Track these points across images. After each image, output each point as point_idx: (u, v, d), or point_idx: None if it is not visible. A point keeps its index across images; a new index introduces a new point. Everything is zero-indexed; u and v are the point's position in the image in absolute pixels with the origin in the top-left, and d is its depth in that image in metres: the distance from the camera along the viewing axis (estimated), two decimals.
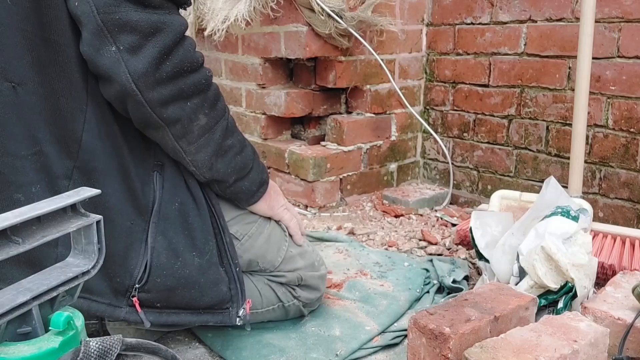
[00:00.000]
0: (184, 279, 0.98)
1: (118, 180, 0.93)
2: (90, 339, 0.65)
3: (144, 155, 0.96)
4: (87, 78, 0.88)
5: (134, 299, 0.96)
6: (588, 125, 1.59)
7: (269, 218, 1.14)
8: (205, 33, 1.94)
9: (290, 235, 1.15)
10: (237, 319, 1.03)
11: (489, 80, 1.91)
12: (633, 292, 1.01)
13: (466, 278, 1.40)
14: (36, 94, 0.87)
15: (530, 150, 1.83)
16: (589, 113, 1.49)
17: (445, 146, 2.07)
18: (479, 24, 1.90)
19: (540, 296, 1.15)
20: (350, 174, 1.98)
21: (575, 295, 1.14)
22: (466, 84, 1.98)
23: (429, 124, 2.11)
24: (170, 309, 1.00)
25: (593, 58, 1.40)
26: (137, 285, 0.96)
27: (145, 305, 0.97)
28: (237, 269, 1.04)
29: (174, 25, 0.87)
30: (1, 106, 0.85)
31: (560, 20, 1.69)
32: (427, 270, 1.43)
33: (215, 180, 1.01)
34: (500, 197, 1.48)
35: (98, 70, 0.86)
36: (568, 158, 1.48)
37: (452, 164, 2.06)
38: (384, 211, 1.92)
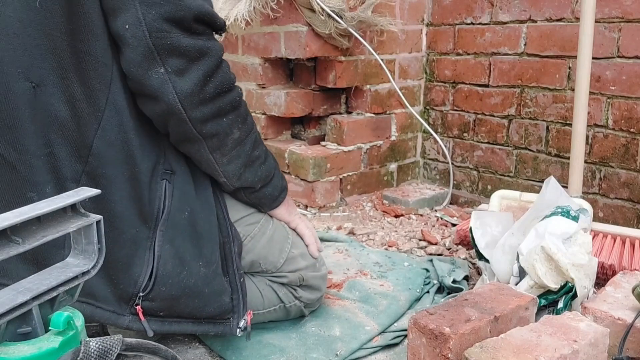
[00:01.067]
0: (189, 288, 0.98)
1: (126, 187, 0.94)
2: (90, 339, 0.65)
3: (154, 163, 0.97)
4: (110, 87, 0.91)
5: (138, 307, 0.95)
6: (588, 125, 1.59)
7: (272, 219, 1.14)
8: None
9: (306, 245, 1.18)
10: (238, 330, 1.03)
11: (489, 80, 1.91)
12: (633, 292, 1.01)
13: (466, 278, 1.40)
14: (54, 96, 0.89)
15: (530, 150, 1.83)
16: (589, 113, 1.49)
17: (445, 146, 2.07)
18: (479, 24, 1.90)
19: (540, 296, 1.15)
20: (350, 174, 1.98)
21: (575, 295, 1.14)
22: (466, 84, 1.98)
23: (429, 124, 2.11)
24: (172, 318, 1.00)
25: (593, 58, 1.40)
26: (141, 294, 0.95)
27: (149, 314, 0.97)
28: (242, 280, 1.04)
29: (216, 50, 0.93)
30: (20, 104, 0.88)
31: (560, 20, 1.69)
32: (427, 270, 1.43)
33: (242, 188, 1.06)
34: (500, 197, 1.48)
35: (144, 89, 0.90)
36: (568, 158, 1.48)
37: (452, 164, 2.06)
38: (384, 211, 1.92)
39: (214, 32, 0.95)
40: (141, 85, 0.90)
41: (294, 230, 1.18)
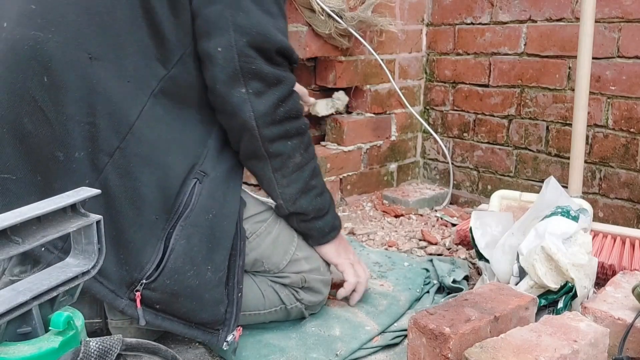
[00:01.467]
0: (191, 289, 0.98)
1: (157, 173, 0.97)
2: (90, 339, 0.65)
3: (192, 163, 1.01)
4: (161, 79, 0.98)
5: (138, 293, 0.96)
6: (588, 125, 1.59)
7: (279, 220, 1.15)
8: None
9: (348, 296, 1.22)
10: (225, 344, 1.02)
11: (489, 80, 1.91)
12: (633, 292, 1.01)
13: (466, 278, 1.40)
14: (108, 71, 0.95)
15: (530, 150, 1.83)
16: (589, 113, 1.48)
17: (445, 146, 2.07)
18: (479, 24, 1.90)
19: (540, 296, 1.15)
20: (350, 174, 1.98)
21: (575, 295, 1.14)
22: (466, 84, 1.98)
23: (429, 124, 2.11)
24: (166, 314, 1.00)
25: (593, 58, 1.40)
26: (144, 281, 0.96)
27: (145, 303, 0.97)
28: (239, 295, 1.05)
29: (290, 80, 1.05)
30: (73, 70, 0.94)
31: (560, 20, 1.69)
32: (427, 270, 1.43)
33: (296, 214, 1.12)
34: (500, 197, 1.48)
35: (226, 106, 1.01)
36: (568, 158, 1.48)
37: (452, 164, 2.06)
38: (384, 211, 1.92)
39: (289, 65, 1.07)
40: (223, 101, 1.01)
41: (341, 273, 1.22)
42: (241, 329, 1.06)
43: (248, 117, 1.01)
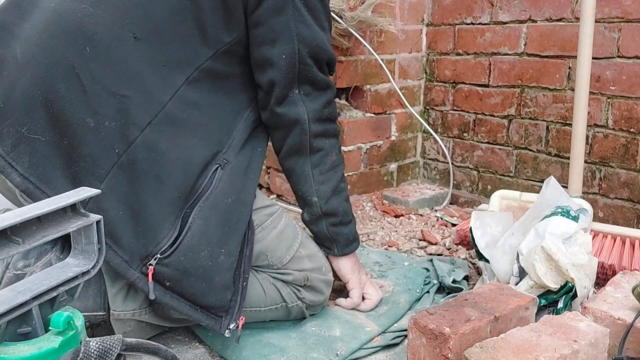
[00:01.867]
0: (203, 269, 1.01)
1: (183, 153, 1.02)
2: (90, 339, 0.65)
3: (214, 147, 1.06)
4: (197, 68, 1.03)
5: (151, 267, 0.98)
6: (588, 125, 1.59)
7: (284, 215, 1.18)
8: None
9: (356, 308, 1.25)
10: (227, 331, 1.04)
11: (489, 80, 1.91)
12: (633, 292, 1.01)
13: (466, 278, 1.40)
14: (148, 52, 1.01)
15: (530, 150, 1.83)
16: (589, 113, 1.48)
17: (445, 146, 2.07)
18: (479, 24, 1.90)
19: (540, 296, 1.15)
20: (350, 174, 1.98)
21: (575, 295, 1.14)
22: (466, 84, 1.98)
23: (429, 124, 2.11)
24: (175, 293, 1.01)
25: (593, 58, 1.40)
26: (159, 256, 0.99)
27: (156, 279, 0.99)
28: (245, 284, 1.07)
29: (333, 87, 1.17)
30: (118, 48, 1.00)
31: (560, 20, 1.69)
32: (427, 270, 1.43)
33: (327, 214, 1.18)
34: (500, 197, 1.48)
35: (281, 104, 1.10)
36: (568, 158, 1.48)
37: (452, 164, 2.06)
38: (384, 211, 1.92)
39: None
40: (278, 100, 1.10)
41: (349, 290, 1.24)
42: (244, 318, 1.07)
43: (301, 111, 1.11)
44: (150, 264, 0.98)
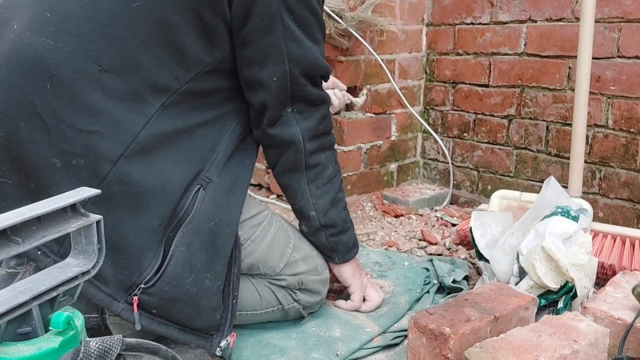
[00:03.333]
0: (189, 295, 0.98)
1: (160, 179, 0.97)
2: (90, 339, 0.65)
3: (196, 166, 1.02)
4: (175, 92, 0.98)
5: (135, 297, 0.96)
6: (588, 125, 1.59)
7: (274, 222, 1.15)
8: None
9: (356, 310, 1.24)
10: (218, 349, 1.02)
11: (489, 80, 1.91)
12: (633, 292, 1.01)
13: (466, 278, 1.40)
14: (118, 83, 0.95)
15: (530, 150, 1.83)
16: (589, 113, 1.48)
17: (445, 146, 2.07)
18: (479, 24, 1.90)
19: (540, 296, 1.15)
20: (350, 174, 1.98)
21: (575, 295, 1.14)
22: (466, 84, 1.98)
23: (429, 124, 2.11)
24: (162, 319, 1.00)
25: (593, 58, 1.40)
26: (142, 286, 0.96)
27: (142, 308, 0.97)
28: (234, 301, 1.05)
29: (327, 99, 1.13)
30: (81, 82, 0.94)
31: (560, 20, 1.69)
32: (427, 270, 1.43)
33: (326, 226, 1.15)
34: (500, 197, 1.48)
35: (274, 125, 1.07)
36: (568, 158, 1.48)
37: (452, 164, 2.06)
38: (384, 211, 1.92)
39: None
40: (271, 121, 1.07)
41: (350, 294, 1.23)
42: (235, 334, 1.06)
43: (295, 132, 1.07)
44: (135, 294, 0.96)
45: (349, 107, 1.82)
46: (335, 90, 1.45)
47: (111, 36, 0.95)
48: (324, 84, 1.15)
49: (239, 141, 1.09)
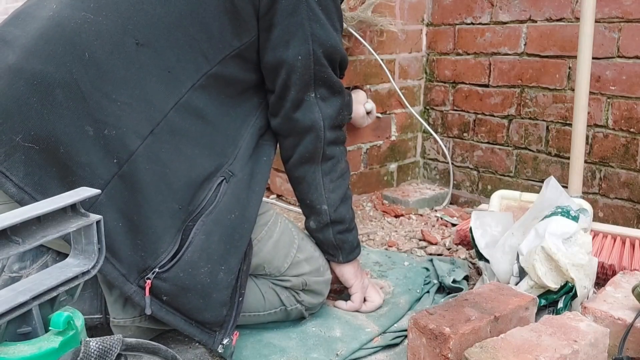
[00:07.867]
0: (202, 286, 0.98)
1: (185, 164, 0.99)
2: (90, 339, 0.65)
3: (219, 158, 1.04)
4: (205, 74, 1.01)
5: (148, 281, 0.96)
6: (588, 125, 1.59)
7: (279, 222, 1.15)
8: None
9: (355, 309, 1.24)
10: (220, 346, 1.02)
11: (489, 80, 1.91)
12: (633, 292, 1.01)
13: (466, 278, 1.40)
14: (153, 58, 0.98)
15: (530, 150, 1.83)
16: (589, 113, 1.48)
17: (445, 146, 2.07)
18: (479, 24, 1.90)
19: (540, 296, 1.15)
20: (350, 173, 1.98)
21: (575, 295, 1.14)
22: (466, 84, 1.98)
23: (429, 124, 2.11)
24: (171, 307, 1.00)
25: (593, 58, 1.40)
26: (157, 270, 0.96)
27: (153, 293, 0.97)
28: (240, 299, 1.05)
29: (345, 91, 1.14)
30: (118, 54, 0.98)
31: (560, 20, 1.69)
32: (427, 270, 1.43)
33: (335, 222, 1.16)
34: (500, 197, 1.48)
35: (296, 109, 1.08)
36: (568, 158, 1.48)
37: (452, 164, 2.06)
38: (384, 211, 1.92)
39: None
40: (294, 105, 1.08)
41: (351, 295, 1.24)
42: (238, 333, 1.06)
43: (317, 117, 1.08)
44: (148, 278, 0.96)
45: (369, 114, 1.83)
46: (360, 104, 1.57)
47: (148, 12, 0.99)
48: (354, 97, 1.19)
49: (258, 137, 1.11)
